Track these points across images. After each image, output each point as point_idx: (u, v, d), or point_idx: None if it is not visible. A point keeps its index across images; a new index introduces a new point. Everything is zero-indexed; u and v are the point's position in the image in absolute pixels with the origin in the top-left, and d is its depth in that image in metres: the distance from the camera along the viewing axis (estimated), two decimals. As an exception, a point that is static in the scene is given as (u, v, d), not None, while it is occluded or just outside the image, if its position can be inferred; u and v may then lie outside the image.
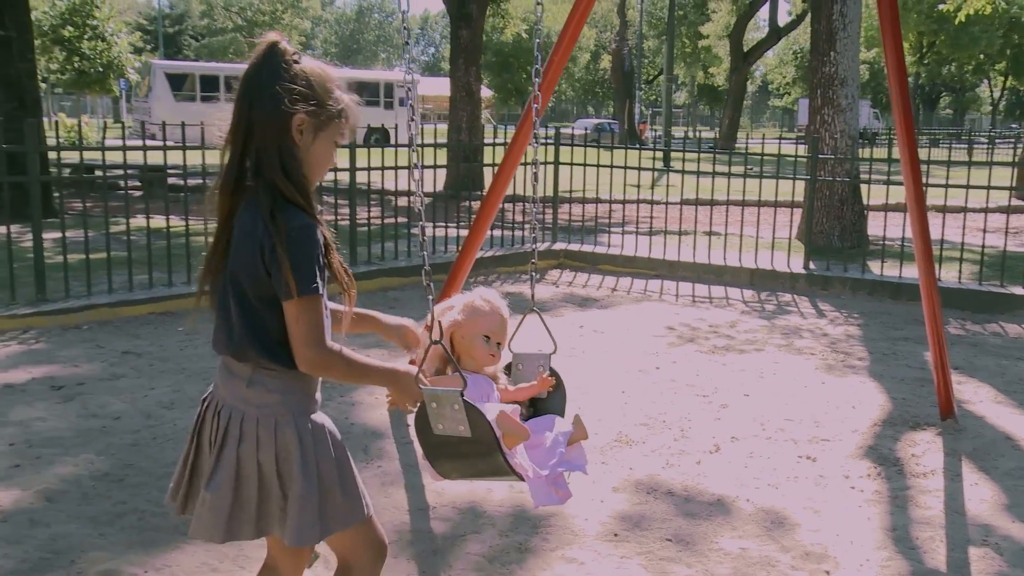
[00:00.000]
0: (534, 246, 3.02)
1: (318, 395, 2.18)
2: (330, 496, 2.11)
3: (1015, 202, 11.65)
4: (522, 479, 2.22)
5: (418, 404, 2.13)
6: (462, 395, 2.04)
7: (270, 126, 2.00)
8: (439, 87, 40.73)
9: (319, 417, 2.15)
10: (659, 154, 22.07)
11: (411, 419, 2.23)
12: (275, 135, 2.00)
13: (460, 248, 4.48)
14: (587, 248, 9.61)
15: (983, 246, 8.24)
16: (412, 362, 2.24)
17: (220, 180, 2.06)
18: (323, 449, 2.11)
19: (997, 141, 23.60)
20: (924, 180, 5.38)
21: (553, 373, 2.55)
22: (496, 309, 2.36)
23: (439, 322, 2.23)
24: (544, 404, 2.49)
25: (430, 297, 2.26)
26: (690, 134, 30.28)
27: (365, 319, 2.39)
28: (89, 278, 6.86)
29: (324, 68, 2.09)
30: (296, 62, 2.04)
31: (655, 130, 45.10)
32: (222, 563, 3.26)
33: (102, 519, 3.52)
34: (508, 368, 2.55)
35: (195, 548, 3.33)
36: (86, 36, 22.61)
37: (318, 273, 1.97)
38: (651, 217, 9.92)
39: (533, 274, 3.02)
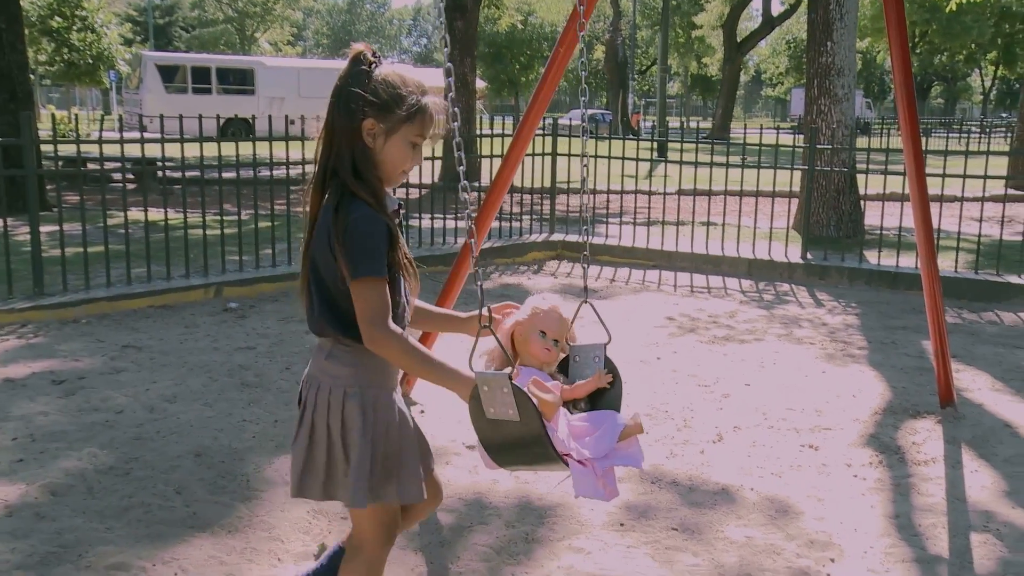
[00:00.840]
0: (586, 239, 3.15)
1: (396, 376, 2.35)
2: (384, 467, 2.29)
3: (1011, 191, 11.68)
4: (567, 467, 2.25)
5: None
6: (511, 379, 2.11)
7: (345, 131, 2.21)
8: (432, 78, 40.66)
9: (392, 396, 2.34)
10: (654, 144, 22.04)
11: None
12: (348, 139, 2.21)
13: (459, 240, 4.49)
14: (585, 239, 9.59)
15: (979, 235, 8.27)
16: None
17: (312, 178, 2.29)
18: (383, 424, 2.29)
19: (991, 130, 23.65)
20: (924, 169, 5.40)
21: (608, 365, 2.60)
22: (553, 308, 2.48)
23: (493, 316, 2.35)
24: (602, 400, 2.54)
25: (480, 283, 2.31)
26: (684, 124, 30.28)
27: (446, 318, 2.63)
28: (87, 272, 6.85)
29: (400, 73, 2.25)
30: (373, 69, 2.22)
31: (648, 120, 45.07)
32: (229, 556, 3.27)
33: (108, 513, 3.52)
34: (565, 363, 2.60)
35: (202, 541, 3.34)
36: (75, 27, 22.46)
37: (375, 258, 2.15)
38: (648, 207, 9.92)
39: (585, 266, 3.12)
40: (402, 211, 2.37)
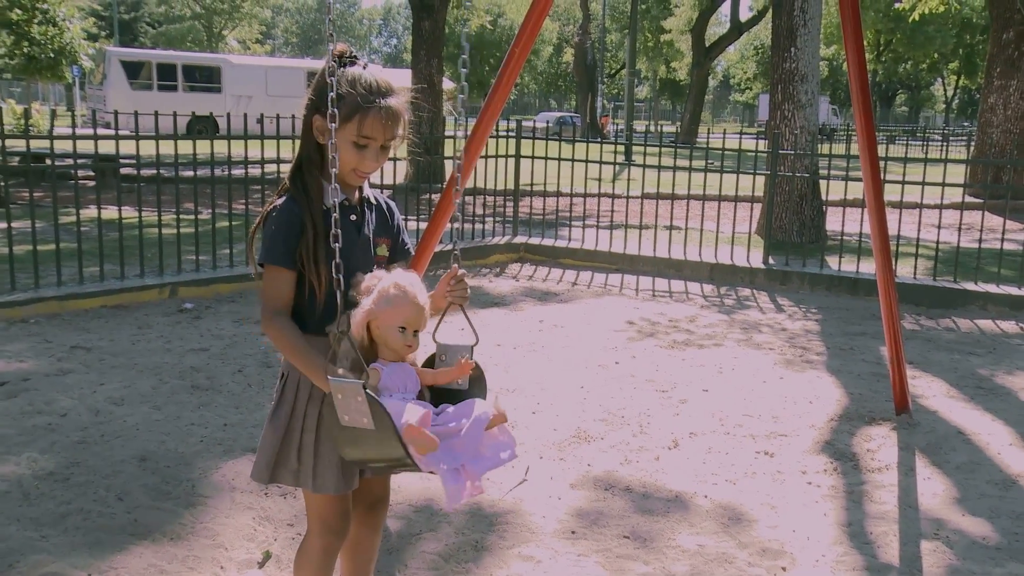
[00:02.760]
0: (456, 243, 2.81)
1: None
2: (292, 451, 2.37)
3: (968, 198, 11.81)
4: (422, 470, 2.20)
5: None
6: (364, 388, 2.08)
7: (303, 128, 2.36)
8: (400, 79, 40.46)
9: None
10: (620, 148, 22.12)
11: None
12: (305, 135, 2.36)
13: (418, 240, 4.42)
14: (548, 242, 9.58)
15: (937, 242, 8.34)
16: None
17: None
18: (303, 409, 2.36)
19: (951, 138, 23.96)
20: (881, 176, 5.42)
21: (476, 369, 2.48)
22: (410, 297, 2.28)
23: (346, 316, 2.25)
24: (465, 394, 2.43)
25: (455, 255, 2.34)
26: (651, 128, 30.39)
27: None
28: (37, 270, 6.69)
29: (357, 75, 2.29)
30: (337, 68, 2.27)
31: (616, 124, 45.21)
32: (170, 564, 3.18)
33: (44, 520, 3.42)
34: (432, 359, 2.48)
35: (143, 549, 3.25)
36: (36, 20, 22.02)
37: (275, 248, 2.28)
38: (612, 211, 9.91)
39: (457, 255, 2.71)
40: (354, 203, 2.39)
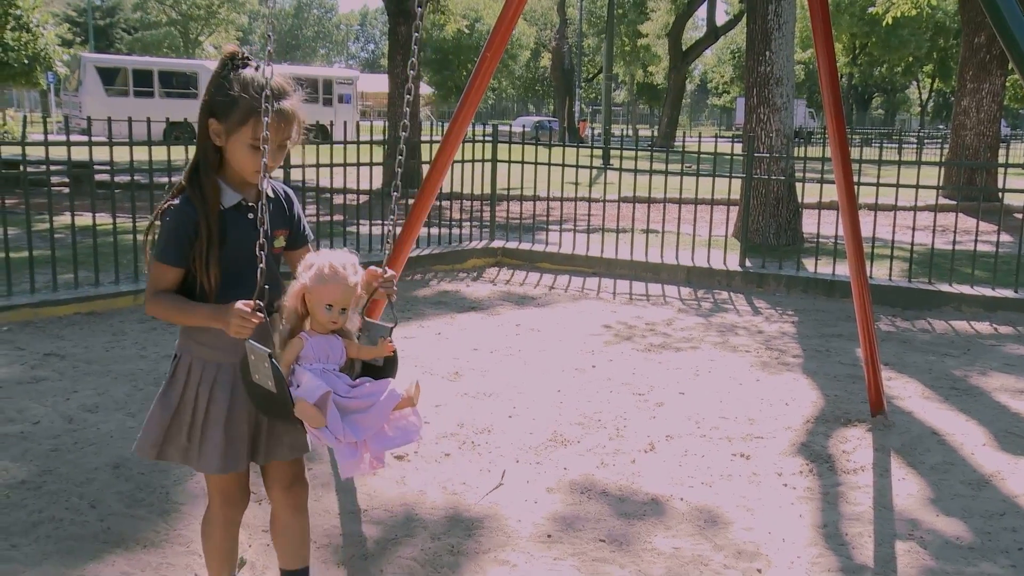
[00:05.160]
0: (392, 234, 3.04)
1: (231, 352, 2.41)
2: (183, 430, 2.48)
3: (942, 201, 11.93)
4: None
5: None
6: (271, 357, 2.25)
7: (199, 128, 2.40)
8: (378, 84, 40.39)
9: (219, 369, 2.47)
10: (598, 152, 22.17)
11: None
12: (201, 137, 2.40)
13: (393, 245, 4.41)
14: (525, 246, 9.58)
15: (912, 244, 8.41)
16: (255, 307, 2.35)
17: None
18: (193, 389, 2.47)
19: (925, 141, 24.19)
20: (856, 179, 5.45)
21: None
22: (341, 278, 2.40)
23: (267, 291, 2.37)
24: (380, 371, 2.57)
25: (260, 266, 2.37)
26: (629, 132, 30.48)
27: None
28: (9, 277, 6.62)
29: (250, 77, 2.34)
30: (233, 70, 2.34)
31: (594, 128, 45.33)
32: (144, 572, 3.15)
33: (15, 529, 3.38)
34: (357, 333, 2.60)
35: (115, 558, 3.22)
36: (8, 26, 21.81)
37: (166, 246, 2.37)
38: (589, 215, 9.93)
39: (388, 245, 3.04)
40: (251, 201, 2.45)
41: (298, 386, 2.33)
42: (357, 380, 2.49)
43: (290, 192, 2.63)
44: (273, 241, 2.50)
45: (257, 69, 2.36)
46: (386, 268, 2.56)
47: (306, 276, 2.41)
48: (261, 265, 2.33)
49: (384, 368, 2.57)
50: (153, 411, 2.51)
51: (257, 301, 2.30)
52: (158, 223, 2.45)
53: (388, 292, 2.54)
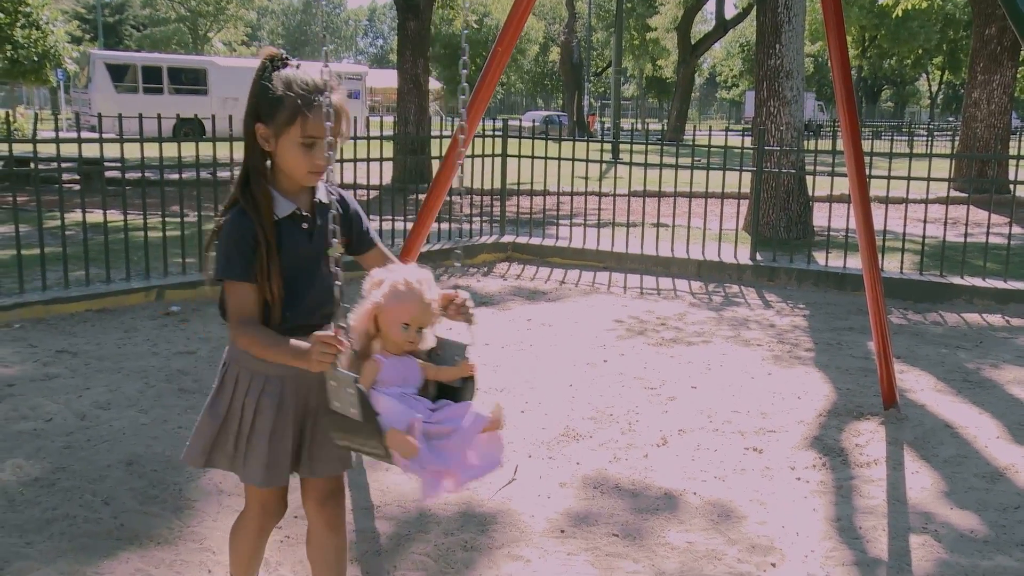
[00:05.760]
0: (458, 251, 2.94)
1: (283, 367, 2.34)
2: (230, 437, 2.43)
3: (953, 193, 11.88)
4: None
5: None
6: (356, 382, 2.11)
7: (246, 135, 2.32)
8: (387, 79, 40.40)
9: (269, 382, 2.39)
10: (607, 146, 22.13)
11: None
12: (249, 144, 2.32)
13: (404, 241, 4.40)
14: (535, 241, 9.58)
15: (923, 236, 8.37)
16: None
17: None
18: (240, 401, 2.41)
19: (936, 134, 24.08)
20: (867, 172, 5.43)
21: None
22: (417, 295, 2.26)
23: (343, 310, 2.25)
24: (457, 393, 2.40)
25: (338, 283, 2.26)
26: (638, 126, 30.42)
27: None
28: (21, 274, 6.64)
29: (290, 76, 2.27)
30: (272, 72, 2.27)
31: (603, 122, 45.24)
32: (158, 569, 3.16)
33: (29, 527, 3.39)
34: (430, 353, 2.45)
35: (129, 555, 3.23)
36: (18, 24, 21.88)
37: (230, 262, 2.27)
38: (599, 209, 9.91)
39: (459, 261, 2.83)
40: (306, 211, 2.37)
41: (378, 413, 2.16)
42: (436, 403, 2.32)
43: (344, 194, 2.51)
44: (327, 250, 2.35)
45: (298, 68, 2.31)
46: (458, 291, 2.43)
47: (378, 294, 2.26)
48: (338, 282, 2.23)
49: (462, 390, 2.40)
50: (202, 419, 2.47)
51: (340, 326, 2.18)
52: (213, 249, 2.37)
53: (467, 319, 2.42)
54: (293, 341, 2.23)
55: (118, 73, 30.10)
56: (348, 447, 2.32)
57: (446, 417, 2.25)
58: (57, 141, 6.85)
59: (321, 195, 2.41)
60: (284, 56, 2.31)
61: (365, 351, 2.28)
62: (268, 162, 2.37)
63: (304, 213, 2.37)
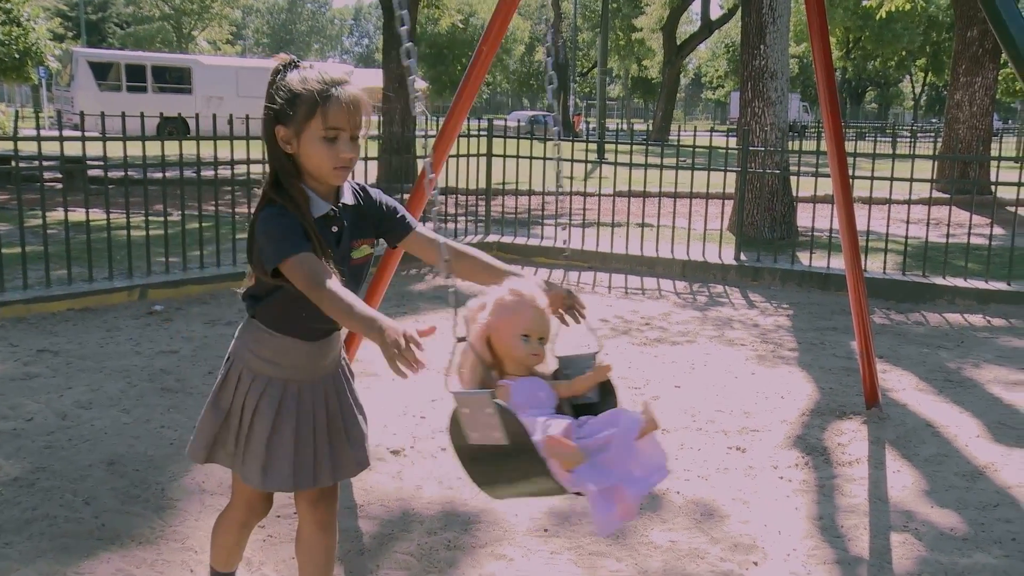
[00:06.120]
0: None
1: (298, 369, 2.38)
2: (232, 434, 2.41)
3: (936, 194, 11.94)
4: (578, 493, 1.95)
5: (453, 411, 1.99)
6: (493, 396, 1.89)
7: (267, 142, 2.28)
8: (372, 79, 40.32)
9: (276, 384, 2.37)
10: (592, 146, 22.15)
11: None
12: (271, 149, 2.27)
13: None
14: (520, 240, 9.58)
15: (906, 237, 8.42)
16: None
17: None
18: (241, 397, 2.38)
19: (919, 135, 24.24)
20: (850, 172, 5.47)
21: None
22: (528, 301, 2.10)
23: (464, 325, 2.09)
24: (599, 407, 2.19)
25: (451, 289, 2.10)
26: (623, 127, 30.49)
27: (497, 273, 2.41)
28: (1, 273, 6.58)
29: (302, 75, 2.23)
30: (282, 77, 2.24)
31: (588, 122, 45.27)
32: (139, 568, 3.14)
33: (8, 527, 3.36)
34: (556, 375, 2.26)
35: (110, 555, 3.21)
36: (-1, 20, 21.71)
37: (286, 239, 2.15)
38: (584, 209, 9.93)
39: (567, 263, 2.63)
40: (337, 212, 2.32)
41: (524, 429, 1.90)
42: (581, 418, 2.09)
43: (368, 188, 2.46)
44: (352, 252, 2.35)
45: (311, 68, 2.26)
46: (567, 289, 2.29)
47: (483, 315, 2.10)
48: (453, 290, 2.10)
49: (601, 403, 2.20)
50: (205, 414, 2.45)
51: (460, 338, 1.99)
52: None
53: (577, 310, 2.29)
54: (372, 315, 2.02)
55: (101, 71, 29.90)
56: (502, 492, 2.08)
57: (597, 428, 2.02)
58: (39, 139, 6.81)
59: (347, 198, 2.35)
60: (295, 60, 2.28)
61: (485, 382, 2.07)
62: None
63: (335, 215, 2.31)
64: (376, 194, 2.47)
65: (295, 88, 2.21)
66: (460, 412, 1.93)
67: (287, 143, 2.24)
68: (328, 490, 2.55)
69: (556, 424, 1.96)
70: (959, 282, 7.89)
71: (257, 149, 7.80)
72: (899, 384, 5.48)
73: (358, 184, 2.46)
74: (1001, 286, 7.79)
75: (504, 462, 1.92)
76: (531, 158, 9.60)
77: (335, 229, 2.31)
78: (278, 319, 2.34)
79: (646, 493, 2.04)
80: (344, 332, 2.50)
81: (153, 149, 7.27)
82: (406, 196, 4.72)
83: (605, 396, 2.21)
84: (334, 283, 2.11)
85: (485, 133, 9.88)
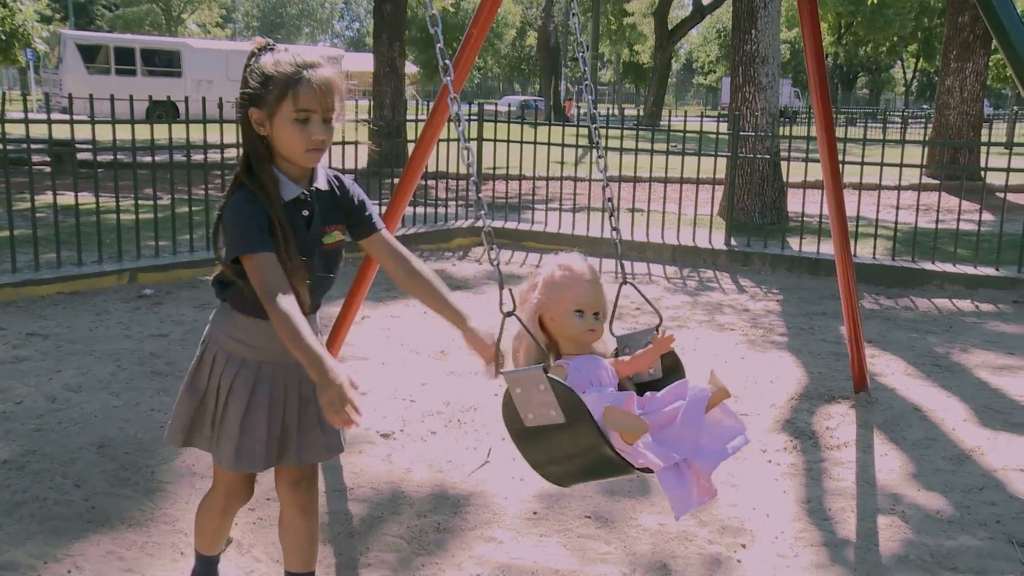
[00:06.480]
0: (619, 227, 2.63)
1: (268, 351, 2.36)
2: (208, 418, 2.43)
3: (926, 180, 11.98)
4: (646, 471, 1.86)
5: (503, 394, 1.91)
6: (546, 371, 1.81)
7: (242, 126, 2.30)
8: (363, 63, 40.13)
9: (249, 365, 2.39)
10: (583, 131, 22.12)
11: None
12: (246, 133, 2.30)
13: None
14: (511, 225, 9.57)
15: (896, 222, 8.44)
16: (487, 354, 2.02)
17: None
18: (216, 379, 2.40)
19: (910, 121, 24.27)
20: (841, 158, 5.48)
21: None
22: (579, 275, 2.04)
23: (513, 301, 1.95)
24: (663, 383, 2.10)
25: (496, 263, 2.04)
26: (614, 111, 30.39)
27: (442, 303, 2.46)
28: (-9, 257, 6.57)
29: (275, 57, 2.27)
30: (256, 60, 2.28)
31: (579, 107, 45.19)
32: (129, 551, 3.15)
33: (-1, 509, 3.37)
34: (616, 355, 2.20)
35: (100, 537, 3.21)
36: (-16, 2, 21.57)
37: (248, 236, 2.19)
38: (575, 194, 9.92)
39: (619, 243, 2.64)
40: (309, 196, 2.34)
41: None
42: (646, 395, 2.01)
43: (343, 178, 2.47)
44: (324, 237, 2.37)
45: (286, 51, 2.29)
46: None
47: (534, 295, 2.04)
48: (497, 263, 2.09)
49: (666, 380, 2.12)
50: (181, 398, 2.47)
51: (506, 312, 1.94)
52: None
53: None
54: (320, 351, 2.07)
55: (90, 54, 29.71)
56: (563, 475, 1.99)
57: (661, 404, 1.94)
58: (27, 122, 6.77)
59: (320, 182, 2.37)
60: (271, 43, 2.32)
61: (542, 364, 1.96)
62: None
63: (307, 198, 2.33)
64: (351, 185, 2.49)
65: (268, 71, 2.24)
66: (513, 393, 1.85)
67: (260, 125, 2.27)
68: (310, 474, 2.57)
69: (615, 396, 1.87)
70: (948, 267, 7.93)
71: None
72: (887, 369, 5.51)
73: (335, 173, 2.48)
74: (990, 271, 7.82)
75: (563, 441, 1.83)
76: (522, 143, 9.58)
77: (306, 213, 2.33)
78: (247, 303, 2.33)
79: (719, 464, 1.95)
80: (317, 318, 2.51)
81: (142, 132, 7.23)
82: (396, 181, 4.71)
83: (670, 371, 2.13)
84: (287, 301, 2.13)
85: (476, 118, 9.85)
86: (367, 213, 2.49)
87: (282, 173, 2.31)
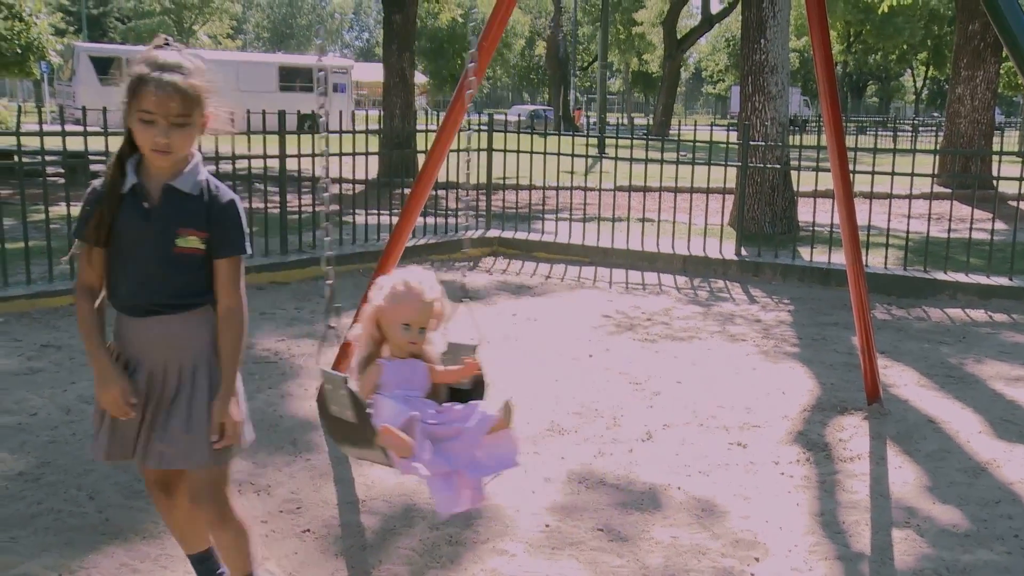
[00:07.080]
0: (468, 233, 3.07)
1: (127, 334, 2.47)
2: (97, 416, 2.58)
3: (937, 189, 11.96)
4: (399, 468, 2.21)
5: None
6: (346, 383, 2.14)
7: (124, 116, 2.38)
8: (373, 73, 40.26)
9: (120, 356, 2.49)
10: (593, 140, 22.15)
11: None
12: (124, 123, 2.39)
13: (390, 235, 4.39)
14: (521, 235, 9.58)
15: (907, 232, 8.42)
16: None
17: None
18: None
19: (920, 129, 24.24)
20: (851, 167, 5.47)
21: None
22: (416, 295, 2.29)
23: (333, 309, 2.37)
24: (467, 394, 2.45)
25: (328, 282, 2.35)
26: (624, 121, 30.48)
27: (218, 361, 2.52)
28: (4, 268, 6.60)
29: (154, 54, 2.33)
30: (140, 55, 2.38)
31: (589, 116, 45.25)
32: (143, 563, 3.16)
33: (14, 521, 3.38)
34: (443, 356, 2.53)
35: (115, 549, 3.22)
36: (1, 15, 21.69)
37: (79, 224, 2.42)
38: (585, 204, 9.93)
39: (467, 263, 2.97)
40: (149, 189, 2.41)
41: (371, 414, 2.19)
42: (444, 405, 2.34)
43: (220, 191, 2.43)
44: (176, 239, 2.36)
45: (161, 50, 2.35)
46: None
47: (379, 297, 2.30)
48: (329, 281, 2.39)
49: (473, 391, 2.44)
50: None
51: (330, 326, 2.28)
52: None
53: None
54: (98, 351, 2.39)
55: (102, 66, 29.88)
56: (354, 455, 2.38)
57: (452, 418, 2.25)
58: (41, 134, 6.81)
59: (181, 183, 2.39)
60: (168, 40, 2.39)
61: (372, 356, 2.31)
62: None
63: (146, 189, 2.39)
64: (223, 202, 2.42)
65: (132, 68, 2.35)
66: (324, 387, 2.21)
67: (127, 117, 2.37)
68: (199, 489, 2.52)
69: (398, 414, 2.17)
70: (961, 277, 7.89)
71: (258, 144, 7.81)
72: (900, 380, 5.49)
73: (216, 183, 2.46)
74: (1003, 281, 7.79)
75: (352, 433, 2.21)
76: (532, 152, 9.60)
77: (145, 205, 2.38)
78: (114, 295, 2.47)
79: (488, 477, 2.26)
80: (195, 324, 2.44)
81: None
82: (407, 191, 4.71)
83: (476, 386, 2.44)
84: (84, 298, 2.42)
85: (486, 128, 9.87)
86: (221, 238, 2.40)
87: (145, 168, 2.41)
